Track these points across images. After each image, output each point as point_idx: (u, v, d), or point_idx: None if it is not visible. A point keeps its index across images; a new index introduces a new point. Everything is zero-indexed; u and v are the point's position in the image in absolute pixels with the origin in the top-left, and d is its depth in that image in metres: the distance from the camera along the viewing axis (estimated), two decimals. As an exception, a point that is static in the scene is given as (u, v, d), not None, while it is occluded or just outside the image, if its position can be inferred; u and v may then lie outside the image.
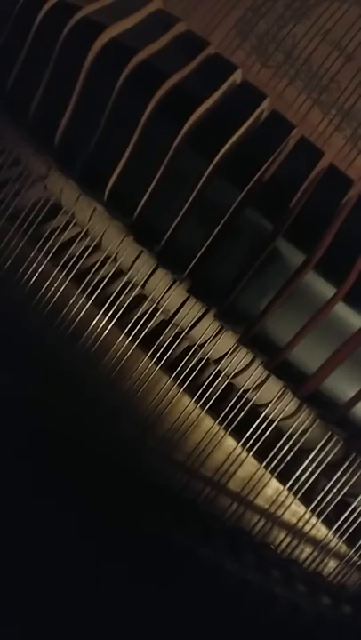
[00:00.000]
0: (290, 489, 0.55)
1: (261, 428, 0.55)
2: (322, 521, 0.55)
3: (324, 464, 0.54)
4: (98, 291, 0.57)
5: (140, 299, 0.58)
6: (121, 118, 0.48)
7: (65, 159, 0.52)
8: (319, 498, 0.55)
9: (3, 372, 0.54)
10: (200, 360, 0.56)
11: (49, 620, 0.47)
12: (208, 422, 0.56)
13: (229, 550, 0.53)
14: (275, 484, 0.56)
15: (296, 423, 0.55)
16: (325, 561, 0.56)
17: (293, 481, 0.55)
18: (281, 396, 0.55)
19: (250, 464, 0.56)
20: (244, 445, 0.56)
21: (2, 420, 0.50)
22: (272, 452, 0.55)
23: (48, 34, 0.49)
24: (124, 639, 0.48)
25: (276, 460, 0.55)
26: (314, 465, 0.54)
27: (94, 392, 0.56)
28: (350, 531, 0.55)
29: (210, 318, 0.55)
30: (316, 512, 0.55)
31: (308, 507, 0.55)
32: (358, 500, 0.54)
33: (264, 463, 0.55)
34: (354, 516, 0.54)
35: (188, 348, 0.57)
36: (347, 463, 0.54)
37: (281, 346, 0.48)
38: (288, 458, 0.55)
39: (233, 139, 0.48)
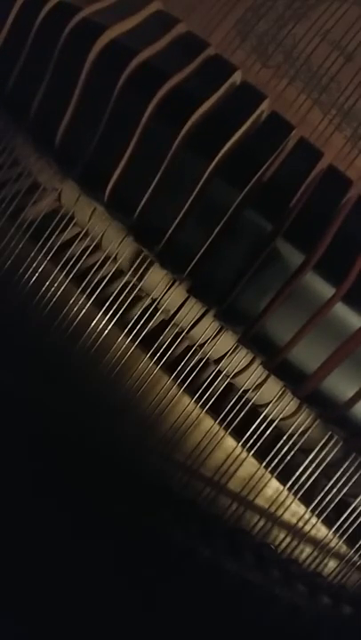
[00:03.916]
0: (290, 489, 0.55)
1: (261, 428, 0.55)
2: (322, 521, 0.55)
3: (324, 464, 0.54)
4: (98, 291, 0.57)
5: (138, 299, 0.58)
6: (121, 119, 0.48)
7: (65, 160, 0.52)
8: (319, 498, 0.55)
9: (3, 372, 0.54)
10: (200, 360, 0.56)
11: (49, 621, 0.47)
12: (208, 422, 0.56)
13: (229, 550, 0.53)
14: (275, 484, 0.56)
15: (296, 423, 0.55)
16: (325, 561, 0.56)
17: (293, 481, 0.55)
18: (281, 396, 0.55)
19: (250, 464, 0.56)
20: (244, 445, 0.56)
21: (2, 420, 0.51)
22: (272, 452, 0.55)
23: (48, 35, 0.49)
24: (124, 639, 0.48)
25: (277, 460, 0.55)
26: (314, 465, 0.54)
27: (94, 392, 0.57)
28: (350, 531, 0.55)
29: (210, 318, 0.55)
30: (317, 512, 0.55)
31: (308, 507, 0.55)
32: (358, 499, 0.54)
33: (264, 463, 0.55)
34: (354, 516, 0.54)
35: (188, 348, 0.57)
36: (347, 463, 0.54)
37: (281, 346, 0.48)
38: (288, 458, 0.55)
39: (233, 139, 0.48)
